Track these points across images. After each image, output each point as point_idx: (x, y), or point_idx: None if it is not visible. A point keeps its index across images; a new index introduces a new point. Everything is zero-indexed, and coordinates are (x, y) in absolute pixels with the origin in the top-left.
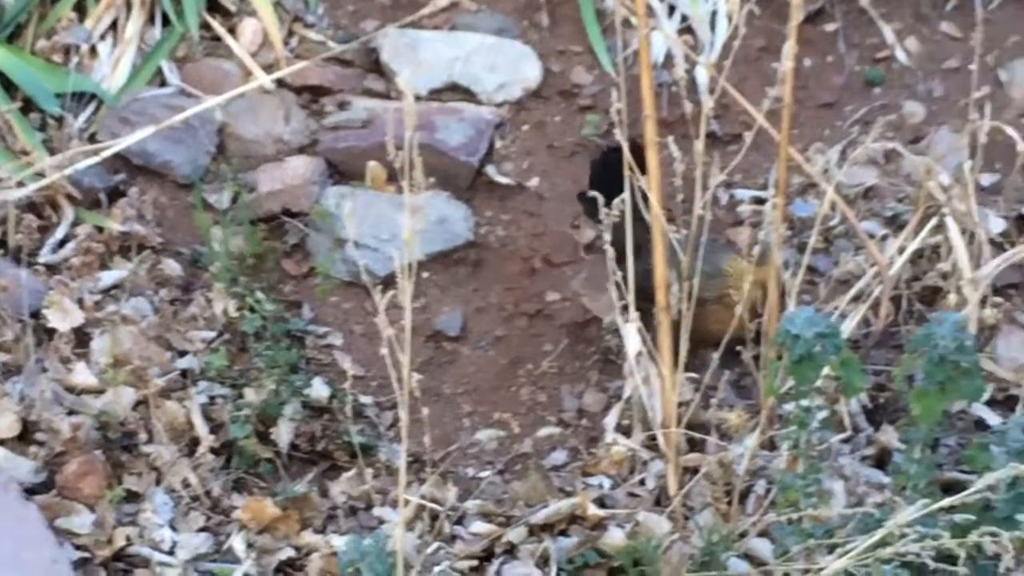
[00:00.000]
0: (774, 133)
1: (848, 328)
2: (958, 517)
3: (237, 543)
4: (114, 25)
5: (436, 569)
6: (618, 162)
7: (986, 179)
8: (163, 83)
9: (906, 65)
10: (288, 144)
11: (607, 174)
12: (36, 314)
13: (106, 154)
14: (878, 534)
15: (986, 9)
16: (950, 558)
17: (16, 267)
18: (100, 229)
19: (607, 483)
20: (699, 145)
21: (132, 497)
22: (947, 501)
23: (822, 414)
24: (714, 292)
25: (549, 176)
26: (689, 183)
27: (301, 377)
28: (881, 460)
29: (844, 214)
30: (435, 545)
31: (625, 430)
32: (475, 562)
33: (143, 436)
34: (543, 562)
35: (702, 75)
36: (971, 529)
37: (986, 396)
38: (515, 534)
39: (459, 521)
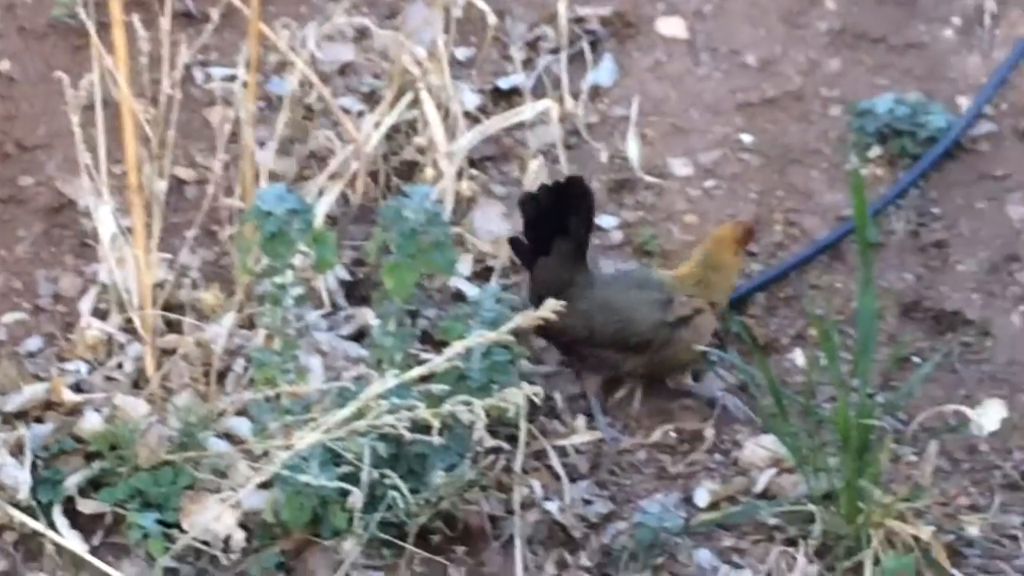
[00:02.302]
0: (246, 10)
1: (326, 205)
2: (434, 388)
3: None
4: None
5: None
6: (553, 199)
7: (461, 53)
8: None
9: None
10: None
11: (539, 216)
12: None
13: None
14: (352, 407)
15: None
16: (428, 428)
17: None
18: None
19: (84, 368)
20: (165, 23)
21: None
22: (419, 370)
23: (297, 291)
24: (675, 314)
25: (20, 59)
26: (159, 62)
27: None
28: (360, 335)
29: (320, 91)
30: None
31: (102, 314)
32: None
33: None
34: (18, 450)
35: None
36: (447, 399)
37: (466, 270)
38: None
39: None
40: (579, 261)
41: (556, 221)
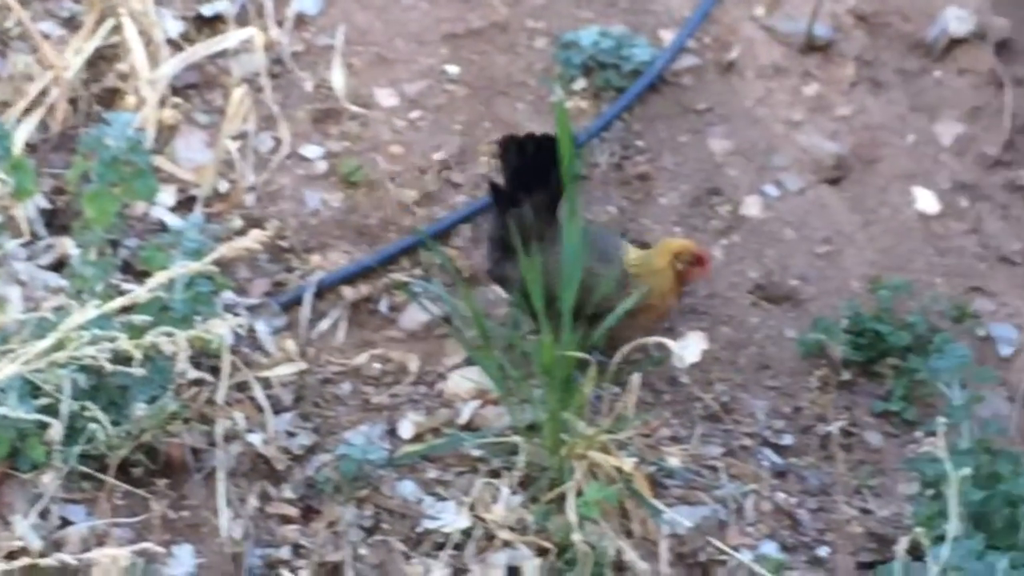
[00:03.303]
0: None
1: (25, 132)
2: (136, 319)
3: None
4: None
5: None
6: (536, 151)
7: None
8: None
9: None
10: None
11: (522, 164)
12: None
13: None
14: (52, 338)
15: None
16: (129, 360)
17: None
18: None
19: None
20: None
21: None
22: (121, 301)
23: None
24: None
25: None
26: None
27: None
28: (60, 265)
29: (18, 15)
30: None
31: None
32: None
33: None
34: None
35: None
36: (149, 330)
37: (169, 199)
38: None
39: None
40: (552, 215)
41: (536, 172)
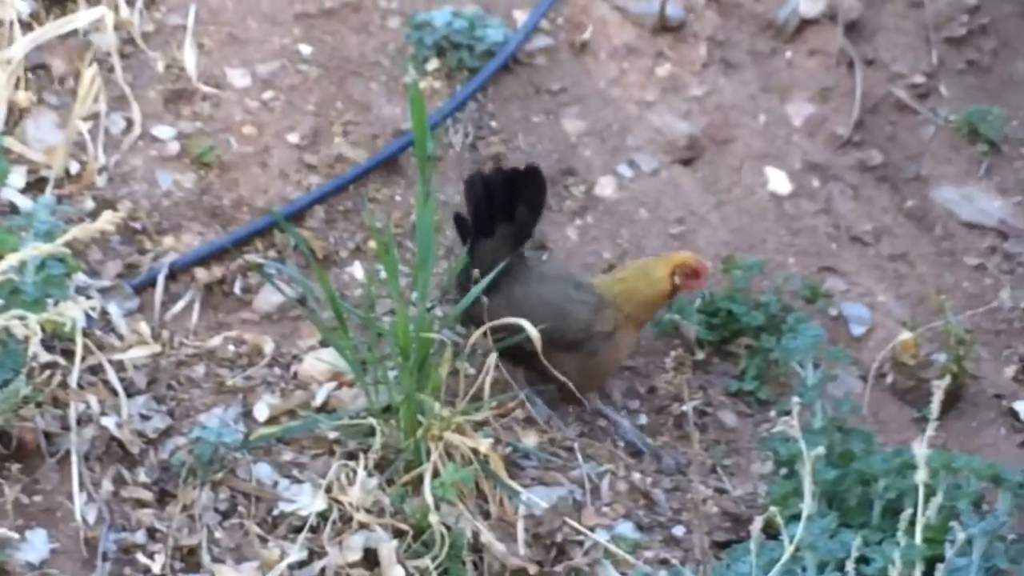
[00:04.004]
0: None
1: None
2: None
3: None
4: None
5: None
6: (501, 185)
7: None
8: None
9: None
10: None
11: (486, 198)
12: None
13: None
14: None
15: None
16: None
17: None
18: None
19: None
20: None
21: None
22: None
23: None
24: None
25: None
26: None
27: None
28: None
29: None
30: None
31: None
32: None
33: None
34: None
35: None
36: (0, 313)
37: (19, 181)
38: None
39: None
40: (519, 249)
41: (503, 206)
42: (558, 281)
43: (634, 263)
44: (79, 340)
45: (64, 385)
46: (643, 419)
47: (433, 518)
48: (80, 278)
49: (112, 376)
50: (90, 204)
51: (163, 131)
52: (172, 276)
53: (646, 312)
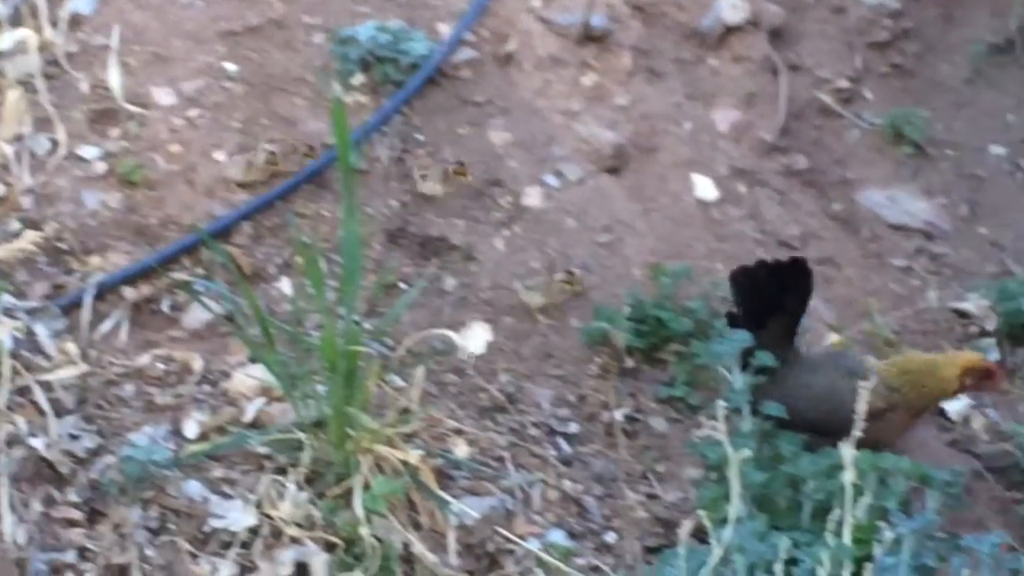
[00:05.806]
0: None
1: None
2: None
3: None
4: None
5: None
6: (767, 278)
7: None
8: None
9: None
10: None
11: (755, 290)
12: None
13: None
14: None
15: None
16: None
17: None
18: None
19: None
20: None
21: None
22: None
23: None
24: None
25: None
26: None
27: None
28: None
29: None
30: None
31: None
32: None
33: None
34: None
35: None
36: None
37: None
38: None
39: None
40: (790, 339)
41: (772, 298)
42: (828, 369)
43: (917, 356)
44: (6, 362)
45: None
46: (574, 427)
47: (364, 531)
48: (7, 299)
49: (40, 397)
50: (16, 226)
51: (89, 151)
52: (100, 296)
53: (926, 404)
